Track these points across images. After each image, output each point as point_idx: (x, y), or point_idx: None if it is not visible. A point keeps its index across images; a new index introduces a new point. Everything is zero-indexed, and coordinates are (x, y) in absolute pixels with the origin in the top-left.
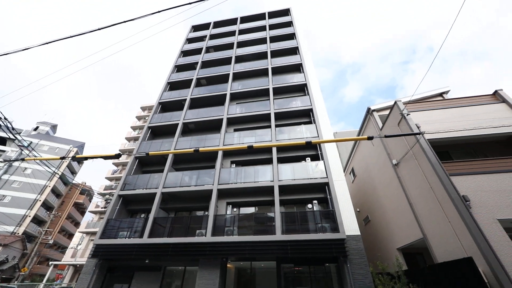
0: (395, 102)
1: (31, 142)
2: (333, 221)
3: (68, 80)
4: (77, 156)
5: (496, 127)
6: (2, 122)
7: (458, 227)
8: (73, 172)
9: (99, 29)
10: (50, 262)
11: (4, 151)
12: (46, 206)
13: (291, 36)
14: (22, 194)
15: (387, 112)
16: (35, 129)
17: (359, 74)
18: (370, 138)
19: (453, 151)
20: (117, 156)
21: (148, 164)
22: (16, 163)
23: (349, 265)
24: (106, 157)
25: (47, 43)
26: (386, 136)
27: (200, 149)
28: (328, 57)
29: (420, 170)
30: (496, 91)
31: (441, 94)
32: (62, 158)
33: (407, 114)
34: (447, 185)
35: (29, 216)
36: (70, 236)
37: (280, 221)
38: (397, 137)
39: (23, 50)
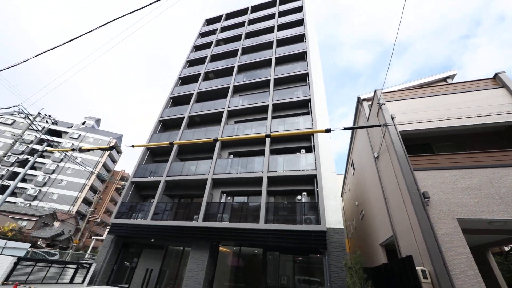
0: (375, 91)
1: (80, 135)
2: (317, 213)
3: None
4: (82, 148)
5: (485, 116)
6: (50, 120)
7: (414, 224)
8: (114, 161)
9: (129, 12)
10: (92, 237)
11: (60, 142)
12: (93, 189)
13: (300, 23)
14: (74, 179)
15: None
16: (83, 123)
17: (405, 55)
18: (328, 131)
19: (437, 144)
20: (111, 148)
21: (158, 154)
22: (69, 153)
23: (327, 257)
24: (103, 149)
25: (72, 39)
26: (345, 129)
27: (174, 142)
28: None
29: (391, 164)
30: (496, 74)
31: (445, 79)
32: (73, 149)
33: (383, 104)
34: (409, 181)
35: (80, 197)
36: None
37: (265, 211)
38: (377, 128)
39: (54, 48)
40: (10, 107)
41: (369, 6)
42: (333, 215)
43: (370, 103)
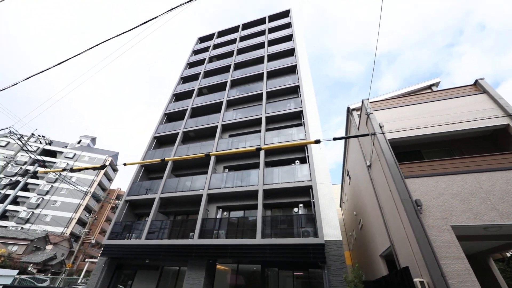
0: (362, 101)
1: (75, 154)
2: (314, 225)
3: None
4: (74, 168)
5: (468, 122)
6: (44, 141)
7: (409, 233)
8: (110, 179)
9: (133, 28)
10: (86, 260)
11: (55, 162)
12: (88, 209)
13: (289, 38)
14: (68, 199)
15: None
16: (79, 142)
17: (395, 64)
18: (317, 142)
19: (427, 150)
20: (103, 167)
21: (153, 171)
22: (63, 173)
23: (327, 271)
24: (94, 168)
25: (63, 62)
26: (334, 139)
27: (166, 158)
28: (358, 49)
29: (383, 172)
30: (476, 81)
31: (430, 87)
32: (64, 170)
33: (370, 114)
34: (400, 188)
35: (74, 218)
36: None
37: (261, 225)
38: (368, 137)
39: (45, 70)
40: (2, 130)
41: (353, 15)
42: (331, 226)
43: (359, 112)
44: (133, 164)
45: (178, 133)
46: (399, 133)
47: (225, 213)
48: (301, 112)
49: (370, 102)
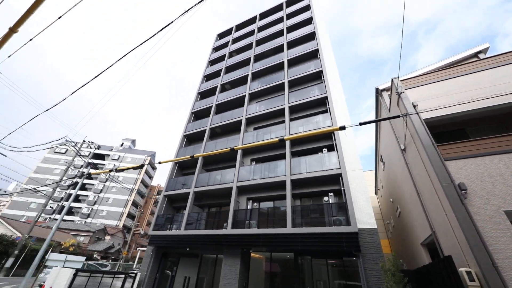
0: (392, 80)
1: (119, 156)
2: (346, 214)
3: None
4: (118, 168)
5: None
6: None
7: (453, 220)
8: (150, 176)
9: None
10: (138, 248)
11: (103, 164)
12: (135, 204)
13: (309, 21)
14: (119, 196)
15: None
16: (121, 145)
17: (435, 33)
18: (342, 128)
19: (473, 128)
20: (142, 166)
21: (186, 167)
22: (111, 174)
23: (361, 260)
24: (135, 168)
25: (96, 76)
26: (361, 124)
27: (195, 155)
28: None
29: (419, 156)
30: None
31: (476, 54)
32: (110, 171)
33: (402, 93)
34: (440, 172)
35: (125, 212)
36: None
37: (291, 215)
38: (400, 119)
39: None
40: (59, 139)
41: None
42: (364, 214)
43: (389, 93)
44: (166, 162)
45: (205, 130)
46: (437, 111)
47: (255, 204)
48: (326, 98)
49: (401, 80)
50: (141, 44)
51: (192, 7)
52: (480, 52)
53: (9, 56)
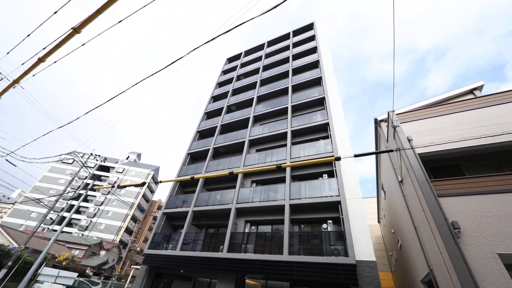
0: (388, 113)
1: (124, 169)
2: (344, 243)
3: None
4: (120, 184)
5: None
6: (100, 158)
7: (447, 259)
8: (152, 191)
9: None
10: (132, 266)
11: (108, 176)
12: (134, 219)
13: (313, 50)
14: (118, 209)
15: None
16: (127, 158)
17: (444, 59)
18: (337, 159)
19: (468, 164)
20: (143, 184)
21: (187, 185)
22: (113, 189)
23: None
24: (136, 185)
25: (112, 98)
26: (355, 156)
27: (195, 176)
28: (397, 47)
29: (414, 190)
30: None
31: (471, 91)
32: (112, 186)
33: (397, 126)
34: (433, 209)
35: (123, 227)
36: None
37: (288, 241)
38: (397, 151)
39: (100, 105)
40: (69, 153)
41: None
42: (362, 245)
43: (388, 124)
44: (167, 181)
45: (209, 149)
46: (432, 147)
47: (253, 227)
48: (327, 124)
49: (397, 114)
50: (156, 72)
51: (214, 38)
52: (475, 89)
53: (33, 75)
